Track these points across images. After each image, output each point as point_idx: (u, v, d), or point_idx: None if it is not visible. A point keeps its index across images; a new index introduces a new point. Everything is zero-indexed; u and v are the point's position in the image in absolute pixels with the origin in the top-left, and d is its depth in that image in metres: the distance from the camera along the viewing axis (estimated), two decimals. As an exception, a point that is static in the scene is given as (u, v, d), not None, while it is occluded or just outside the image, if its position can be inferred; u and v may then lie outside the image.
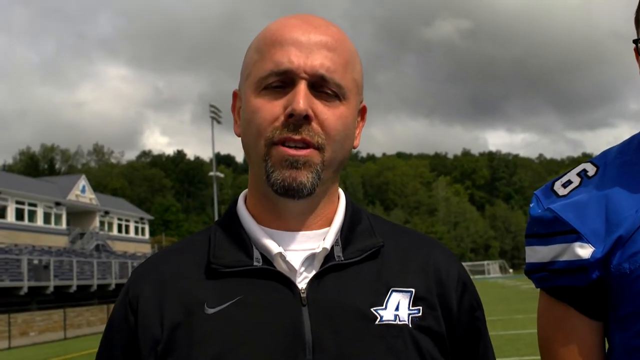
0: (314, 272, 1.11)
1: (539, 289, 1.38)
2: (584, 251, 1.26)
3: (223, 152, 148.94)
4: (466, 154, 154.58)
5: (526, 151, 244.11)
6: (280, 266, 1.11)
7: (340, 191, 1.24)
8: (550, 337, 1.36)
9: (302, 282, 1.11)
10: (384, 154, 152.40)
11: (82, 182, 55.65)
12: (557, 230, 1.30)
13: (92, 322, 34.25)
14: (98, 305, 37.03)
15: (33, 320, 30.56)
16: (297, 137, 1.07)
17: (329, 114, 1.10)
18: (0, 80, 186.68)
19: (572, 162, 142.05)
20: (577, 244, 1.27)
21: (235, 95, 1.23)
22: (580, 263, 1.26)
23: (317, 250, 1.12)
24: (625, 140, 1.41)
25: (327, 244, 1.13)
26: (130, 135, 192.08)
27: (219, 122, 50.16)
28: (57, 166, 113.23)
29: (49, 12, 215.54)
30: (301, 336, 1.05)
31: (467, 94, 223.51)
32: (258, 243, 1.14)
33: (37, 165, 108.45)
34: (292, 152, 1.08)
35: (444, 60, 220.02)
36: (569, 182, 1.36)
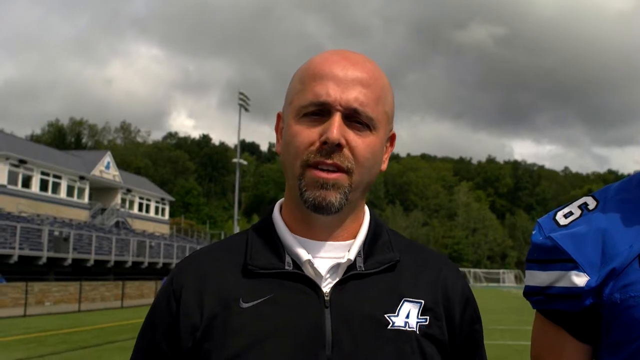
0: (337, 279, 1.26)
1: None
2: (580, 280, 1.35)
3: (248, 139, 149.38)
4: (491, 161, 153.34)
5: (551, 163, 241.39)
6: (308, 271, 1.26)
7: (366, 207, 1.38)
8: (542, 356, 1.46)
9: (326, 287, 1.25)
10: (408, 154, 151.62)
11: (107, 158, 56.15)
12: (556, 258, 1.39)
13: (107, 297, 34.52)
14: (114, 281, 37.23)
15: (49, 290, 30.89)
16: (329, 161, 1.21)
17: (359, 142, 1.23)
18: (33, 50, 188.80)
19: (597, 178, 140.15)
20: (573, 272, 1.36)
21: (279, 116, 1.38)
22: (575, 290, 1.35)
23: (342, 260, 1.27)
24: (626, 178, 1.50)
25: (352, 255, 1.28)
26: (156, 116, 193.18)
27: (246, 110, 50.36)
28: (83, 140, 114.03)
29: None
30: (322, 334, 1.20)
31: (496, 100, 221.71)
32: (290, 249, 1.28)
33: (64, 138, 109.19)
34: (324, 175, 1.22)
35: (475, 65, 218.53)
36: (570, 213, 1.45)
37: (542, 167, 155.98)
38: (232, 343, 1.19)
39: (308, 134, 1.23)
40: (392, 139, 1.37)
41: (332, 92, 1.22)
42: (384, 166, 1.35)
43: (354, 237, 1.32)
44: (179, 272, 1.32)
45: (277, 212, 1.36)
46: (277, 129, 1.38)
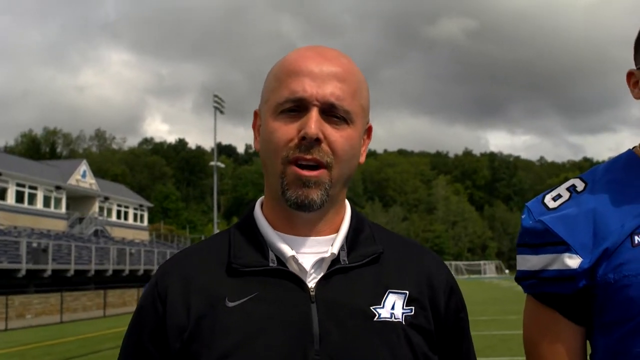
0: (322, 274, 1.27)
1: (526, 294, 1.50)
2: (573, 262, 1.36)
3: (224, 142, 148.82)
4: (467, 153, 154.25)
5: (527, 153, 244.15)
6: (293, 267, 1.26)
7: (347, 202, 1.38)
8: (536, 340, 1.47)
9: (311, 282, 1.26)
10: (385, 151, 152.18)
11: (83, 167, 55.61)
12: (548, 241, 1.41)
13: (88, 306, 34.20)
14: (95, 290, 36.90)
15: (30, 303, 30.53)
16: (308, 156, 1.22)
17: (337, 136, 1.24)
18: (3, 60, 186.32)
19: (573, 166, 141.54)
20: (566, 254, 1.37)
21: (256, 114, 1.38)
22: (569, 273, 1.37)
23: (326, 255, 1.28)
24: (612, 159, 1.52)
25: (335, 249, 1.28)
26: (131, 121, 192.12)
27: (222, 112, 50.15)
28: (58, 150, 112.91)
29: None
30: (310, 329, 1.20)
31: (470, 93, 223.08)
32: (273, 246, 1.29)
33: (39, 148, 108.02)
34: (305, 173, 1.23)
35: (448, 59, 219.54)
36: (559, 195, 1.47)
37: (518, 158, 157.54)
38: (220, 343, 1.19)
39: (286, 130, 1.24)
40: (368, 131, 1.38)
41: (309, 88, 1.23)
42: (362, 159, 1.35)
43: (337, 231, 1.32)
44: (163, 274, 1.32)
45: (258, 209, 1.36)
46: (255, 127, 1.38)
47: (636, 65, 1.45)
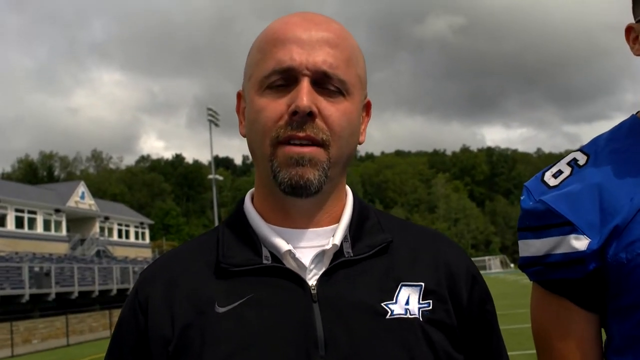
0: (323, 269, 1.11)
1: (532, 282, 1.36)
2: (580, 243, 1.23)
3: (221, 154, 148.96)
4: (465, 150, 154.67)
5: (524, 146, 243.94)
6: (290, 264, 1.11)
7: (348, 188, 1.23)
8: (547, 330, 1.34)
9: (312, 279, 1.10)
10: (382, 153, 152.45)
11: (81, 188, 55.58)
12: (551, 222, 1.27)
13: (94, 327, 34.18)
14: (100, 311, 36.92)
15: (35, 327, 30.48)
16: (301, 134, 1.07)
17: (333, 110, 1.09)
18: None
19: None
20: (572, 236, 1.24)
21: (239, 96, 1.23)
22: (577, 255, 1.24)
23: (327, 247, 1.12)
24: (615, 127, 1.38)
25: (337, 240, 1.13)
26: (126, 140, 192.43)
27: (216, 125, 50.15)
28: (55, 173, 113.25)
29: (42, 17, 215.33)
30: (313, 333, 1.05)
31: (463, 90, 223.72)
32: (267, 241, 1.14)
33: (36, 172, 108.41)
34: (297, 149, 1.07)
35: (438, 57, 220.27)
36: (560, 172, 1.34)
37: (515, 151, 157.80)
38: (210, 354, 1.05)
39: (274, 106, 1.09)
40: (367, 107, 1.22)
41: (297, 56, 1.08)
42: (362, 138, 1.20)
43: (338, 221, 1.17)
44: (143, 281, 1.17)
45: (248, 202, 1.21)
46: (239, 111, 1.22)
47: (635, 18, 1.31)
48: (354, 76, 1.13)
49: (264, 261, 1.11)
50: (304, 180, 1.07)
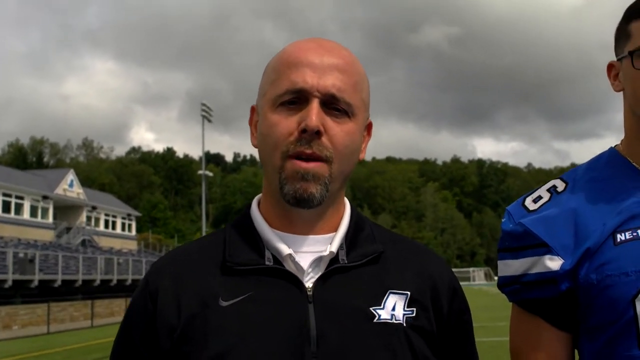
0: (320, 273, 1.22)
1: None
2: (554, 263, 1.32)
3: (212, 150, 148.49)
4: (455, 160, 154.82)
5: (514, 159, 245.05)
6: (290, 266, 1.22)
7: (346, 200, 1.34)
8: (521, 349, 1.42)
9: (309, 282, 1.21)
10: (373, 158, 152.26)
11: (70, 176, 55.31)
12: (528, 243, 1.36)
13: (76, 317, 33.95)
14: (82, 300, 36.65)
15: (17, 313, 30.29)
16: (308, 151, 1.18)
17: (338, 129, 1.20)
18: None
19: (561, 172, 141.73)
20: (547, 256, 1.33)
21: (253, 109, 1.34)
22: (550, 275, 1.33)
23: (324, 254, 1.23)
24: (594, 158, 1.48)
25: (334, 247, 1.24)
26: (117, 130, 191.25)
27: (209, 121, 50.03)
28: (45, 159, 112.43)
29: (37, 1, 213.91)
30: (307, 330, 1.16)
31: (456, 100, 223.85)
32: (270, 244, 1.24)
33: (26, 157, 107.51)
34: (303, 164, 1.18)
35: (433, 66, 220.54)
36: (539, 197, 1.43)
37: (506, 164, 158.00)
38: (212, 344, 1.15)
39: (286, 123, 1.20)
40: (369, 127, 1.34)
41: (309, 79, 1.19)
42: (362, 155, 1.31)
43: (336, 230, 1.28)
44: (154, 272, 1.28)
45: (255, 207, 1.32)
46: (252, 122, 1.34)
47: (617, 56, 1.41)
48: (359, 100, 1.25)
49: (266, 262, 1.22)
50: (307, 194, 1.18)
